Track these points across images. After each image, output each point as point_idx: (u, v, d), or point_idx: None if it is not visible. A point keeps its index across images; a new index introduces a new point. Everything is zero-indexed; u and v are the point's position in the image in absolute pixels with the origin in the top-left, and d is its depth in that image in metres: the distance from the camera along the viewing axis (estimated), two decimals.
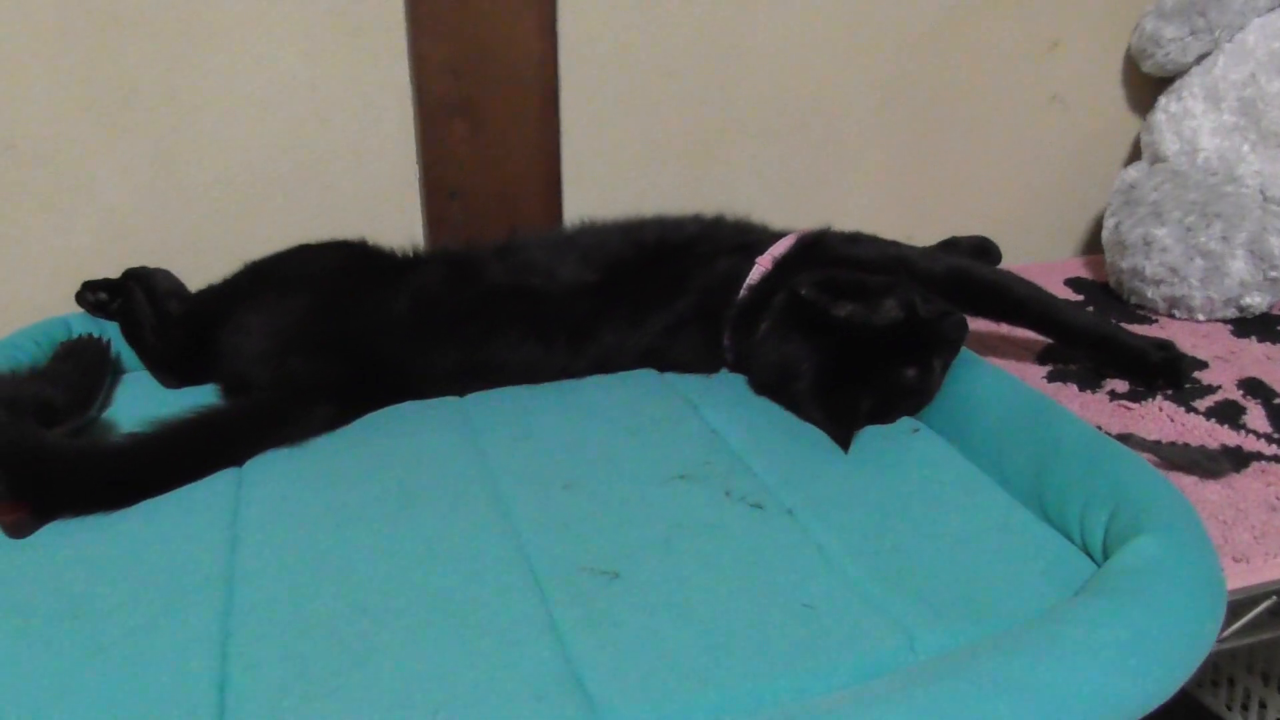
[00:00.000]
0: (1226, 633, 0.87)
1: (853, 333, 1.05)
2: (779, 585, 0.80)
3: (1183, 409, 1.13)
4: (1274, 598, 0.86)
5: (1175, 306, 1.41)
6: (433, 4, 1.28)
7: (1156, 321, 1.42)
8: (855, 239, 1.22)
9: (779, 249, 1.18)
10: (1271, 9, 1.45)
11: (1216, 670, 1.48)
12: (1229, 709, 1.47)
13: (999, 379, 1.05)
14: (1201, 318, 1.40)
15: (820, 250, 1.18)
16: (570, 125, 1.41)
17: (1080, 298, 1.52)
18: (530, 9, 1.31)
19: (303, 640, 0.74)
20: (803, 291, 1.07)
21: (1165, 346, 1.20)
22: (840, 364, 1.05)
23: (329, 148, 1.34)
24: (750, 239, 1.22)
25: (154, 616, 0.77)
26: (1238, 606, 0.87)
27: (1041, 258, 1.72)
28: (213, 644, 0.74)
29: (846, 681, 0.70)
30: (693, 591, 0.79)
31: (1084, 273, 1.62)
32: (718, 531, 0.87)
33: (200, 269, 1.28)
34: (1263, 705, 1.41)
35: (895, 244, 1.22)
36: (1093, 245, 1.71)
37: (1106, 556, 0.81)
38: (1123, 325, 1.27)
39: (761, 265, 1.17)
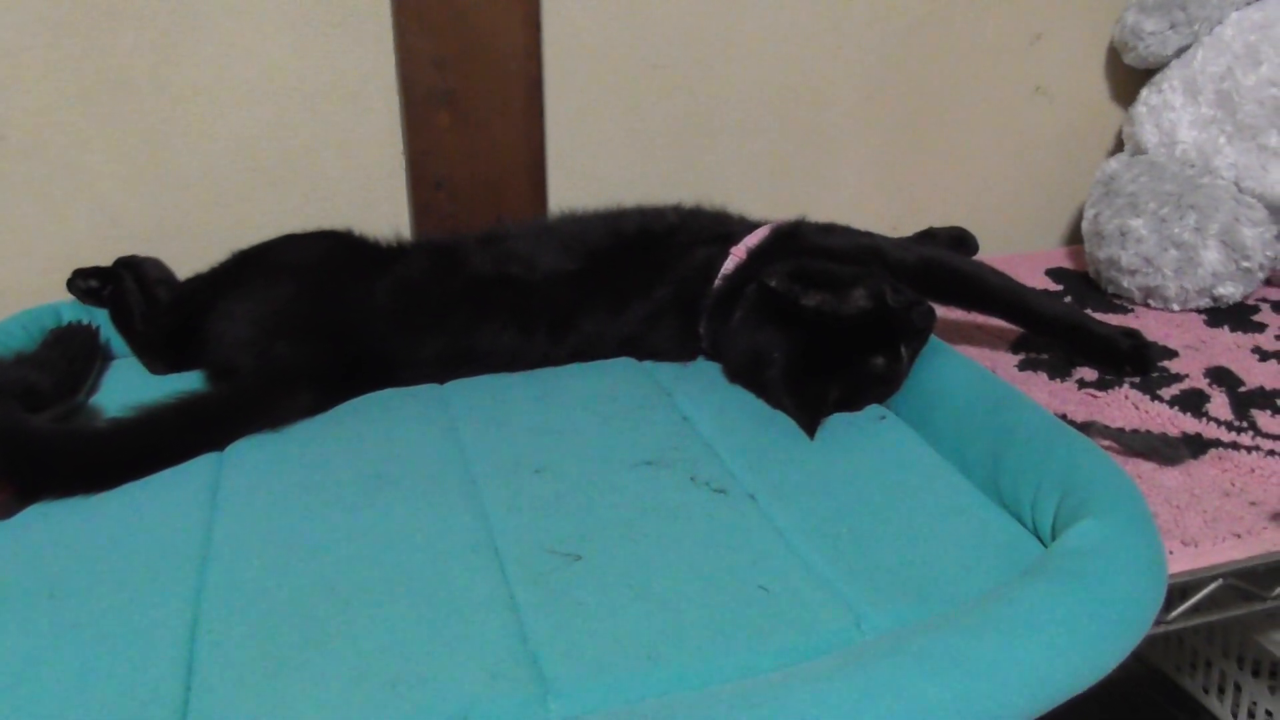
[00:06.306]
0: (1174, 614, 0.89)
1: (822, 322, 1.07)
2: (735, 567, 0.82)
3: (1148, 397, 1.15)
4: (1219, 581, 0.88)
5: (1150, 296, 1.43)
6: None
7: (1133, 311, 1.43)
8: (829, 229, 1.23)
9: (754, 239, 1.20)
10: (1249, 3, 1.46)
11: (1194, 654, 1.50)
12: (1205, 692, 1.48)
13: (963, 367, 1.07)
14: (1176, 307, 1.41)
15: (794, 240, 1.20)
16: (555, 116, 1.43)
17: (1060, 287, 1.53)
18: (514, 1, 1.33)
19: (269, 620, 0.76)
20: (772, 283, 1.08)
21: (1133, 335, 1.22)
22: (809, 352, 1.06)
23: (317, 138, 1.36)
24: (728, 229, 1.24)
25: (128, 597, 0.79)
26: (1187, 589, 0.89)
27: (1025, 248, 1.73)
28: (183, 623, 0.76)
29: (794, 660, 0.72)
30: (651, 573, 0.81)
31: (1066, 263, 1.64)
32: (680, 515, 0.89)
33: (190, 257, 1.31)
34: (1238, 688, 1.43)
35: (868, 234, 1.23)
36: (1076, 236, 1.73)
37: (1055, 540, 0.82)
38: (1097, 315, 1.29)
39: (736, 255, 1.18)
